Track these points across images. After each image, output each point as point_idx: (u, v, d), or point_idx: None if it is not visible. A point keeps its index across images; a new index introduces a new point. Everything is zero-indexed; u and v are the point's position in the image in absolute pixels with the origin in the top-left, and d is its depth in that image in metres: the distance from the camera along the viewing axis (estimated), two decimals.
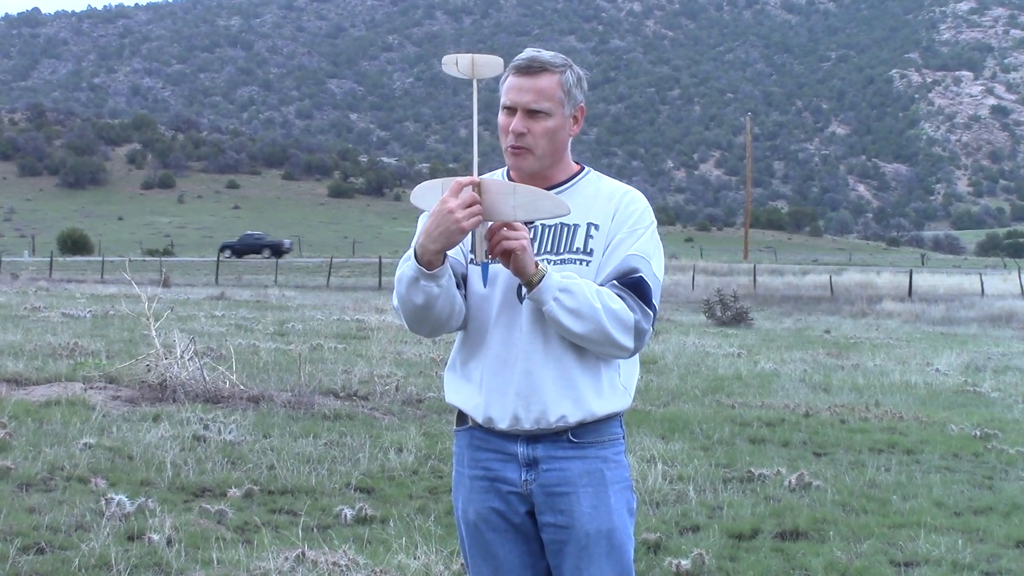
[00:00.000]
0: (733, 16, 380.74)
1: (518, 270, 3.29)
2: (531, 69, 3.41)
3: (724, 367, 17.39)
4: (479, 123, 3.38)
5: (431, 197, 3.34)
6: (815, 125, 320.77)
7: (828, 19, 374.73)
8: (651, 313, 3.40)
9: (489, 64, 3.36)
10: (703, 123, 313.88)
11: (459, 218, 3.21)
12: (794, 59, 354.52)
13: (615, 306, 3.33)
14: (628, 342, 3.36)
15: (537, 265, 3.31)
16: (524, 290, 3.36)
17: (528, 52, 3.45)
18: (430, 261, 3.28)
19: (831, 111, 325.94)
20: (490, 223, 3.29)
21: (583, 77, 3.53)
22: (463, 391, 3.54)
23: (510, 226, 3.27)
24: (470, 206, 3.23)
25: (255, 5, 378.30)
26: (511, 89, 3.42)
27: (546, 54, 3.45)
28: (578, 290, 3.31)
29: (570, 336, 3.35)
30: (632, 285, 3.38)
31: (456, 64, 3.38)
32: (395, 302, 3.47)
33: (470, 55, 3.35)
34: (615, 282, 3.38)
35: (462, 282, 3.46)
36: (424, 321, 3.42)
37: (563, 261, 3.42)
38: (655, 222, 3.53)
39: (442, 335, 3.59)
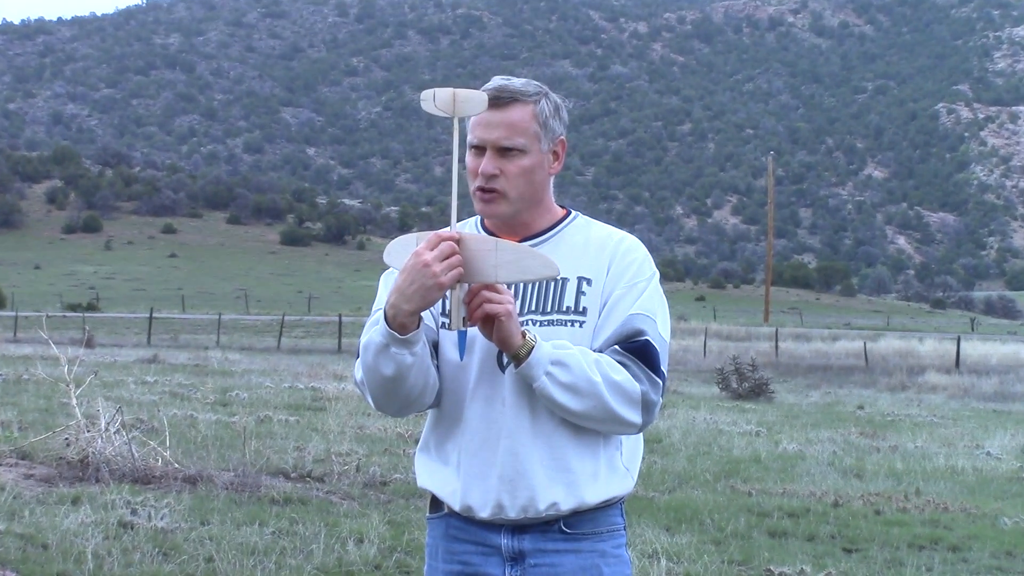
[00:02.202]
0: (754, 40, 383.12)
1: (502, 340, 3.28)
2: (500, 100, 3.42)
3: (740, 447, 17.40)
4: (461, 164, 3.39)
5: (407, 255, 3.32)
6: (848, 167, 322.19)
7: (864, 44, 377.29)
8: (660, 382, 3.40)
9: (472, 100, 3.34)
10: (718, 163, 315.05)
11: (436, 272, 3.20)
12: (824, 90, 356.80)
13: (618, 377, 3.33)
14: (635, 417, 3.37)
15: (524, 335, 3.30)
16: (507, 359, 3.35)
17: (496, 80, 3.46)
18: (403, 324, 3.26)
19: (867, 151, 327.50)
20: (468, 285, 3.28)
21: (561, 106, 3.54)
22: (438, 474, 3.52)
23: (492, 288, 3.26)
24: (448, 258, 3.22)
25: (197, 21, 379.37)
26: (478, 125, 3.43)
27: (516, 81, 3.46)
28: (573, 362, 3.30)
29: (567, 415, 3.35)
30: (637, 350, 3.38)
31: (434, 99, 3.37)
32: (358, 375, 3.44)
33: (451, 89, 3.35)
34: (617, 347, 3.38)
35: (434, 351, 3.45)
36: (394, 396, 3.39)
37: (552, 322, 3.42)
38: (657, 273, 3.53)
39: (412, 414, 3.58)
